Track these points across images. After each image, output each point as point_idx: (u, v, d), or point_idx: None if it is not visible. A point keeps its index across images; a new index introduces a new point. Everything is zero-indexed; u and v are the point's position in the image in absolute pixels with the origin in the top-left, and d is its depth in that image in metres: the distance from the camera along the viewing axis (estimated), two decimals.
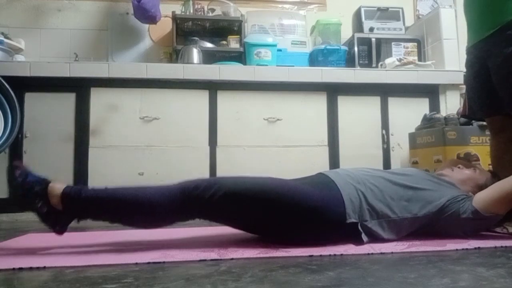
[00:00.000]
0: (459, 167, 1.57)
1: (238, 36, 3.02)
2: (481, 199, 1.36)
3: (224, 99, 2.59)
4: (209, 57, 2.93)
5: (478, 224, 1.39)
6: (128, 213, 1.34)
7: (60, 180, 1.36)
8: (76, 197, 1.30)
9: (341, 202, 1.33)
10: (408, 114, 2.67)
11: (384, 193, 1.38)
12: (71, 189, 1.32)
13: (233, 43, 3.00)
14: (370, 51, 2.91)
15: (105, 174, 2.43)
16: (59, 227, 1.33)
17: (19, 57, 2.83)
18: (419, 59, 2.94)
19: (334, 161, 2.62)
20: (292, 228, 1.34)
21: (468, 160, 2.10)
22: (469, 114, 1.73)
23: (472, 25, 1.63)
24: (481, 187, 1.44)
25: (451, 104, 2.71)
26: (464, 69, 1.73)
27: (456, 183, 1.48)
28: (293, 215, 1.31)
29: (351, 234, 1.34)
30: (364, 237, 1.33)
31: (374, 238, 1.34)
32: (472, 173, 1.54)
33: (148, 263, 1.14)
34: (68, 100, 2.47)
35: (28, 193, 1.30)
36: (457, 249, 1.26)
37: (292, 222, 1.32)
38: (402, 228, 1.38)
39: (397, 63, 2.78)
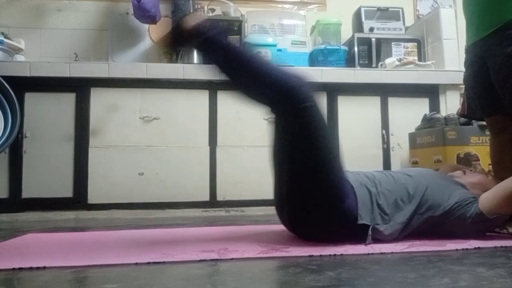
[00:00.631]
0: (471, 170, 1.57)
1: (238, 36, 3.01)
2: (486, 200, 1.36)
3: (224, 99, 2.59)
4: None
5: (483, 227, 1.39)
6: (241, 71, 1.37)
7: None
8: (210, 37, 1.35)
9: (355, 204, 1.34)
10: (408, 114, 2.67)
11: (396, 197, 1.38)
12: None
13: None
14: (370, 51, 2.91)
15: (105, 174, 2.43)
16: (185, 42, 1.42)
17: (19, 57, 2.82)
18: (419, 59, 2.94)
19: None
20: (309, 205, 1.35)
21: (468, 160, 2.10)
22: (468, 113, 1.73)
23: (471, 24, 1.62)
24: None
25: (451, 104, 2.71)
26: (464, 69, 1.73)
27: (468, 186, 1.48)
28: (322, 186, 1.33)
29: (360, 234, 1.34)
30: (370, 241, 1.33)
31: (379, 240, 1.35)
32: (484, 177, 1.53)
33: (148, 263, 1.14)
34: (68, 100, 2.47)
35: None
36: (457, 249, 1.26)
37: (314, 198, 1.33)
38: (409, 228, 1.39)
39: (397, 63, 2.78)
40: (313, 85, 1.37)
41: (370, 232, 1.33)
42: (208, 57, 1.43)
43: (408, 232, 1.39)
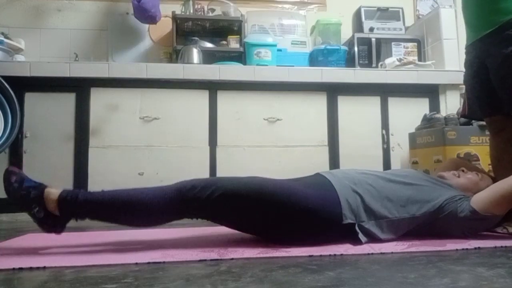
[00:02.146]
0: (462, 171, 1.56)
1: (238, 36, 3.02)
2: (479, 199, 1.36)
3: (224, 99, 2.59)
4: (209, 57, 2.93)
5: (476, 224, 1.38)
6: (125, 214, 1.34)
7: (56, 186, 1.35)
8: (72, 201, 1.29)
9: (338, 203, 1.34)
10: (408, 114, 2.67)
11: (381, 194, 1.38)
12: (68, 194, 1.31)
13: (233, 43, 3.00)
14: (370, 51, 2.91)
15: (105, 174, 2.43)
16: (57, 229, 1.33)
17: (19, 57, 2.83)
18: (419, 59, 2.94)
19: (334, 161, 2.62)
20: (289, 229, 1.34)
21: (468, 160, 2.10)
22: (469, 114, 1.73)
23: (470, 24, 1.63)
24: None
25: (451, 104, 2.71)
26: (464, 69, 1.73)
27: (459, 188, 1.48)
28: (290, 216, 1.32)
29: (349, 235, 1.34)
30: (362, 238, 1.33)
31: (372, 238, 1.35)
32: (475, 178, 1.52)
33: (148, 263, 1.14)
34: (68, 100, 2.47)
35: (25, 199, 1.31)
36: (457, 249, 1.26)
37: (289, 222, 1.33)
38: (400, 228, 1.38)
39: (397, 63, 2.78)
40: (198, 181, 1.36)
41: (357, 229, 1.33)
42: (90, 218, 1.35)
43: (402, 232, 1.39)
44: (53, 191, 1.32)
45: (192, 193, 1.31)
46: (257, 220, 1.35)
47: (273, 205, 1.31)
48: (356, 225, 1.33)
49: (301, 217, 1.31)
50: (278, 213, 1.32)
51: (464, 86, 1.75)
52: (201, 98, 2.57)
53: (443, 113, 2.61)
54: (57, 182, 2.38)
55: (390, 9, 3.08)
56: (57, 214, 1.30)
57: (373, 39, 2.92)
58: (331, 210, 1.33)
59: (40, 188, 1.33)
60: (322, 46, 2.90)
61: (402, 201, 1.38)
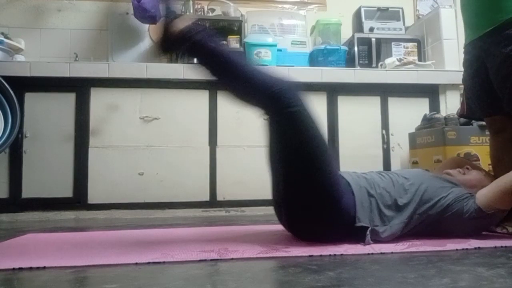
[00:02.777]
0: (467, 168, 1.57)
1: (238, 36, 3.01)
2: (483, 196, 1.36)
3: (224, 99, 2.58)
4: None
5: (481, 223, 1.39)
6: (229, 75, 1.40)
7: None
8: (198, 40, 1.36)
9: (353, 205, 1.35)
10: (408, 114, 2.67)
11: (395, 199, 1.38)
12: (195, 26, 1.39)
13: (233, 43, 3.00)
14: (370, 51, 2.91)
15: (105, 174, 2.43)
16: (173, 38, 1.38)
17: (19, 57, 2.82)
18: (419, 59, 2.94)
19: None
20: (307, 205, 1.35)
21: (468, 160, 2.10)
22: (468, 113, 1.73)
23: (469, 22, 1.62)
24: None
25: (451, 104, 2.71)
26: (463, 69, 1.73)
27: (465, 185, 1.48)
28: (317, 187, 1.33)
29: (359, 235, 1.34)
30: (369, 241, 1.33)
31: (379, 241, 1.35)
32: (480, 175, 1.54)
33: (148, 263, 1.14)
34: (68, 100, 2.47)
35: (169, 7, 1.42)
36: (457, 249, 1.27)
37: (312, 195, 1.33)
38: (408, 229, 1.39)
39: (397, 63, 2.78)
40: (299, 88, 1.39)
41: (368, 234, 1.33)
42: (197, 61, 1.46)
43: (407, 231, 1.39)
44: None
45: (283, 96, 1.33)
46: (296, 167, 1.35)
47: (317, 162, 1.34)
48: (369, 229, 1.34)
49: (324, 197, 1.33)
50: (309, 176, 1.33)
51: (463, 86, 1.75)
52: (201, 98, 2.57)
53: (443, 113, 2.61)
54: (57, 182, 2.40)
55: (390, 9, 3.08)
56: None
57: (373, 39, 2.92)
58: (347, 210, 1.34)
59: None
60: (322, 46, 2.90)
61: (414, 203, 1.38)
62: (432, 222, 1.39)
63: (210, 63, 1.41)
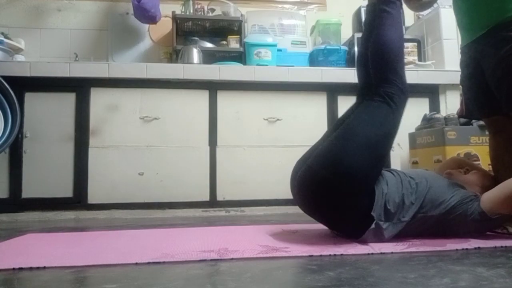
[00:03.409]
0: (467, 169, 1.57)
1: (238, 36, 3.02)
2: (488, 199, 1.36)
3: (224, 99, 2.59)
4: (209, 57, 2.93)
5: (484, 225, 1.40)
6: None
7: None
8: None
9: (373, 196, 1.36)
10: (408, 114, 2.63)
11: (402, 197, 1.39)
12: None
13: (233, 43, 3.00)
14: None
15: (105, 174, 2.43)
16: None
17: (19, 57, 2.83)
18: (419, 59, 2.94)
19: None
20: (334, 184, 1.35)
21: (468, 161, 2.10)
22: (466, 114, 1.73)
23: (463, 26, 1.62)
24: (486, 189, 1.44)
25: (451, 104, 2.71)
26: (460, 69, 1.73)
27: (466, 184, 1.49)
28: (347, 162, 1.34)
29: (361, 226, 1.35)
30: (368, 236, 1.34)
31: (379, 238, 1.35)
32: (479, 175, 1.54)
33: (148, 263, 1.14)
34: (68, 100, 2.47)
35: None
36: (457, 249, 1.27)
37: (344, 174, 1.34)
38: (411, 229, 1.39)
39: None
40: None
41: (373, 225, 1.34)
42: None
43: (410, 230, 1.39)
44: None
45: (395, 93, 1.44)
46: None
47: (364, 148, 1.36)
48: (374, 222, 1.34)
49: (360, 172, 1.34)
50: (350, 153, 1.35)
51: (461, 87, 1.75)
52: (201, 98, 2.57)
53: (443, 113, 2.61)
54: (57, 182, 2.40)
55: None
56: None
57: None
58: (369, 197, 1.35)
59: None
60: (322, 46, 2.90)
61: (420, 203, 1.39)
62: (435, 223, 1.39)
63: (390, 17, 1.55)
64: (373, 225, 1.34)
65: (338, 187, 1.33)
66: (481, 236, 1.42)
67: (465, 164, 1.64)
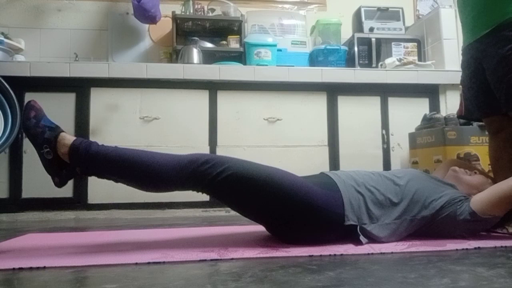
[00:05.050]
0: (475, 172, 1.56)
1: (238, 36, 3.02)
2: (479, 201, 1.36)
3: (224, 99, 2.59)
4: (209, 57, 2.93)
5: (475, 226, 1.38)
6: (134, 175, 1.31)
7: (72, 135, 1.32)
8: (85, 150, 1.27)
9: (341, 204, 1.34)
10: (408, 114, 2.67)
11: (384, 196, 1.38)
12: (81, 142, 1.29)
13: (233, 43, 3.00)
14: (370, 51, 2.91)
15: None
16: (59, 180, 1.31)
17: (19, 57, 2.83)
18: (419, 59, 2.94)
19: (334, 161, 2.62)
20: (291, 223, 1.34)
21: (468, 160, 2.10)
22: (465, 114, 1.73)
23: (466, 25, 1.62)
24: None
25: (451, 104, 2.71)
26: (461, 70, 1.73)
27: (468, 185, 1.48)
28: (294, 209, 1.31)
29: (350, 235, 1.34)
30: (363, 239, 1.33)
31: (373, 240, 1.35)
32: (484, 179, 1.53)
33: (148, 263, 1.14)
34: (68, 100, 2.47)
35: (38, 137, 1.30)
36: (457, 249, 1.27)
37: (292, 215, 1.32)
38: (400, 231, 1.38)
39: (397, 63, 2.78)
40: (210, 158, 1.35)
41: (359, 232, 1.33)
42: (100, 175, 1.34)
43: (404, 235, 1.39)
44: (68, 137, 1.31)
45: (204, 168, 1.30)
46: (261, 207, 1.35)
47: (279, 195, 1.31)
48: (358, 227, 1.33)
49: (304, 212, 1.31)
50: (282, 204, 1.31)
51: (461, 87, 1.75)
52: (201, 98, 2.57)
53: (443, 113, 2.61)
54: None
55: (390, 9, 3.08)
56: (67, 161, 1.29)
57: (373, 39, 2.92)
58: (334, 210, 1.33)
59: (56, 130, 1.31)
60: (322, 46, 2.91)
61: (405, 203, 1.38)
62: (426, 223, 1.39)
63: (112, 170, 1.31)
64: (359, 231, 1.33)
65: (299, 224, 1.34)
66: (481, 236, 1.42)
67: (465, 167, 1.63)
